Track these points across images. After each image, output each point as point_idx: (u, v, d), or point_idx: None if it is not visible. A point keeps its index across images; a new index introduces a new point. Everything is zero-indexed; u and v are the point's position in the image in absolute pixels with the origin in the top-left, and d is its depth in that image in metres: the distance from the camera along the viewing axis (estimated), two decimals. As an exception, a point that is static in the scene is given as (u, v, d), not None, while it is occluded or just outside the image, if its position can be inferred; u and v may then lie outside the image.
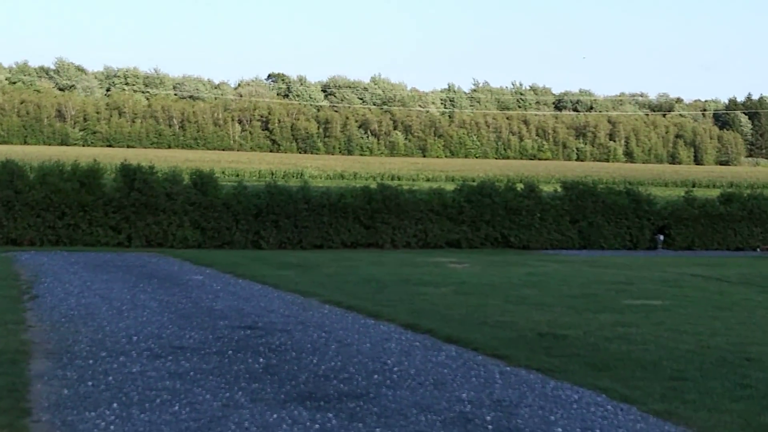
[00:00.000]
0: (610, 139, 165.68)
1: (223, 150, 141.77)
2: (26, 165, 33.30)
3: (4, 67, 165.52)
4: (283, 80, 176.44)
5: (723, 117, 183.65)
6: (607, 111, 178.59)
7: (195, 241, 30.33)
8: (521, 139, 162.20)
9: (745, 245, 36.88)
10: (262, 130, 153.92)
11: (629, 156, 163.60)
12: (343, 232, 31.92)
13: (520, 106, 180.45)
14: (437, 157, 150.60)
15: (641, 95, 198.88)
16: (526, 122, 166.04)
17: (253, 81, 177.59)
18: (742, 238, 36.99)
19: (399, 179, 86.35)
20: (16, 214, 28.83)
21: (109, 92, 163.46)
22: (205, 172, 32.81)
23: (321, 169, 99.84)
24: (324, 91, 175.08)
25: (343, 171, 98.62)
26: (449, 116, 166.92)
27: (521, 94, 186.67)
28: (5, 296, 16.10)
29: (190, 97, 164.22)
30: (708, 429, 8.54)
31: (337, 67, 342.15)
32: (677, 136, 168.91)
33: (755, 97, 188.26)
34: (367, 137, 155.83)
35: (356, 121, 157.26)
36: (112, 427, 7.98)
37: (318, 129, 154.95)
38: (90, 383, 9.46)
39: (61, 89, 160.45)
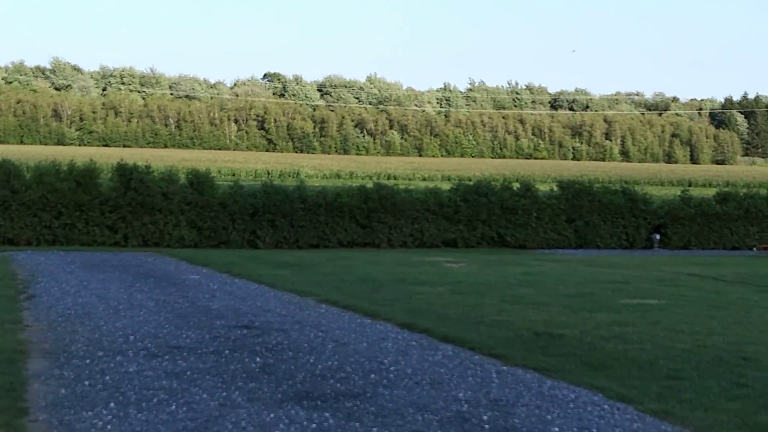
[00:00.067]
0: (606, 139, 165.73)
1: (220, 149, 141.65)
2: (23, 165, 33.27)
3: (0, 66, 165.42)
4: (279, 80, 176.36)
5: (719, 116, 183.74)
6: (603, 110, 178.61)
7: (191, 241, 30.32)
8: (517, 138, 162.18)
9: (742, 244, 36.92)
10: (258, 129, 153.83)
11: (625, 155, 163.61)
12: (340, 231, 31.92)
13: (516, 106, 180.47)
14: (433, 156, 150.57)
15: (637, 94, 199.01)
16: (522, 121, 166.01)
17: (249, 80, 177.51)
18: (739, 237, 37.03)
19: (395, 178, 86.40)
20: (12, 214, 28.81)
21: (105, 92, 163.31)
22: (202, 172, 32.80)
23: (317, 168, 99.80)
24: (320, 90, 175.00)
25: (340, 170, 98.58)
26: (445, 115, 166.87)
27: (517, 93, 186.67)
28: (2, 296, 16.10)
29: (186, 96, 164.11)
30: (704, 428, 8.56)
31: (333, 66, 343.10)
32: (673, 136, 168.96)
33: (751, 96, 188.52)
34: (363, 137, 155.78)
35: (352, 121, 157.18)
36: (109, 426, 7.98)
37: (314, 128, 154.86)
38: (87, 383, 9.46)
39: (57, 89, 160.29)
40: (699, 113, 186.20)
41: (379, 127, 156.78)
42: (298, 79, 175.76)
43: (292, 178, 76.86)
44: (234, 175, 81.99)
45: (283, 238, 31.36)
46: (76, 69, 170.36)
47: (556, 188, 36.13)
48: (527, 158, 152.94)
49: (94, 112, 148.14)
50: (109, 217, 29.66)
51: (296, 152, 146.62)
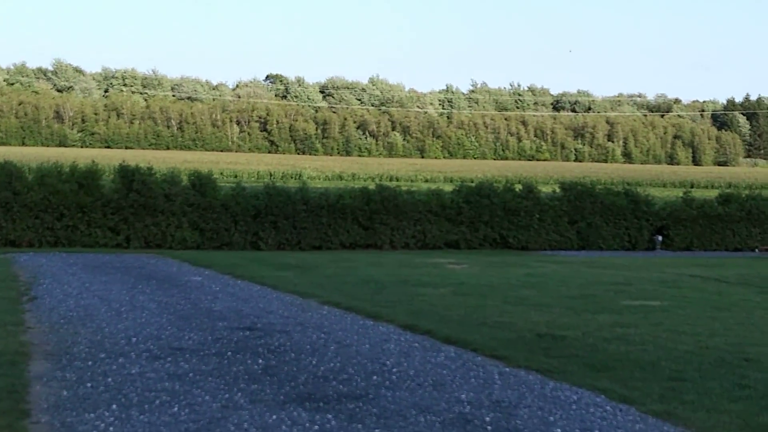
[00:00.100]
0: (609, 140, 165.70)
1: (222, 151, 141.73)
2: (24, 166, 33.39)
3: (2, 68, 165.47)
4: (281, 81, 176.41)
5: (721, 117, 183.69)
6: (605, 112, 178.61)
7: (194, 242, 30.33)
8: (519, 139, 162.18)
9: (744, 246, 36.91)
10: (261, 131, 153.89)
11: (627, 157, 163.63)
12: (342, 233, 31.93)
13: (518, 107, 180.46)
14: (435, 157, 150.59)
15: (639, 96, 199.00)
16: (524, 123, 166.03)
17: (251, 82, 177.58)
18: (741, 238, 37.02)
19: (397, 180, 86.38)
20: (14, 216, 28.83)
21: (107, 93, 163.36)
22: (204, 173, 32.83)
23: (319, 170, 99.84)
24: (322, 92, 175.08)
25: (342, 172, 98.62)
26: (447, 117, 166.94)
27: (519, 94, 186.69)
28: (4, 298, 16.10)
29: (188, 98, 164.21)
30: (707, 429, 8.55)
31: (335, 68, 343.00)
32: (675, 137, 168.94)
33: (753, 97, 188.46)
34: (366, 138, 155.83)
35: (354, 122, 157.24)
36: (111, 428, 7.98)
37: (316, 130, 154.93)
38: (89, 385, 9.46)
39: (59, 90, 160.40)
40: (701, 115, 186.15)
41: (381, 128, 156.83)
42: (300, 81, 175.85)
43: (294, 180, 76.84)
44: (236, 176, 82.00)
45: (286, 240, 31.37)
46: (78, 70, 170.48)
47: (558, 190, 36.13)
48: (529, 160, 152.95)
49: (96, 114, 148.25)
50: (111, 218, 29.67)
51: (298, 154, 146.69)
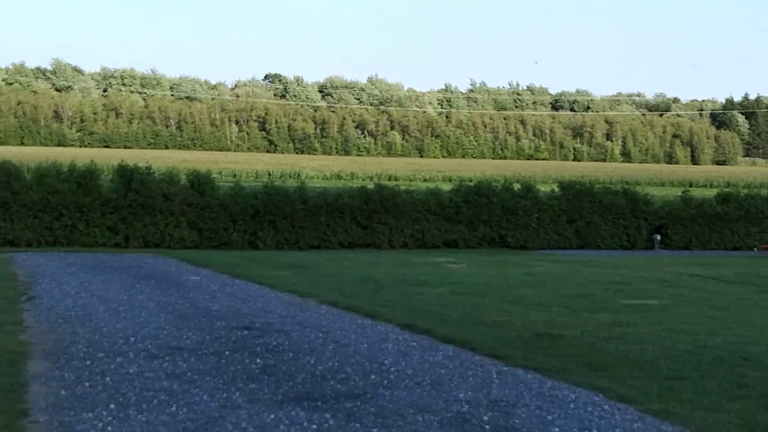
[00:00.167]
0: (607, 139, 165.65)
1: (220, 150, 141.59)
2: (23, 166, 33.34)
3: (0, 68, 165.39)
4: (279, 81, 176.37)
5: (720, 117, 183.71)
6: (604, 111, 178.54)
7: (192, 242, 30.34)
8: (518, 139, 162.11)
9: (742, 245, 36.95)
10: (259, 130, 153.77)
11: (626, 156, 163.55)
12: (341, 232, 31.93)
13: (517, 107, 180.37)
14: (434, 157, 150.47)
15: (638, 95, 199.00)
16: (523, 122, 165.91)
17: (249, 81, 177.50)
18: (739, 237, 37.06)
19: (396, 179, 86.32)
20: (13, 215, 28.83)
21: (106, 93, 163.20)
22: (202, 173, 32.84)
23: (318, 169, 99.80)
24: (321, 91, 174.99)
25: (340, 171, 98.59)
26: (446, 116, 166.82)
27: (518, 94, 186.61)
28: (2, 297, 16.10)
29: (187, 97, 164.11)
30: (705, 428, 8.55)
31: (334, 67, 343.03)
32: (674, 136, 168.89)
33: (752, 96, 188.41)
34: (364, 137, 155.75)
35: (353, 122, 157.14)
36: (109, 428, 7.98)
37: (315, 129, 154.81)
38: (87, 384, 9.46)
39: (58, 90, 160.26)
40: (700, 114, 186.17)
41: (380, 128, 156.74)
42: (299, 80, 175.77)
43: (292, 179, 76.71)
44: (235, 176, 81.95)
45: (284, 239, 31.37)
46: (77, 70, 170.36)
47: (557, 189, 36.17)
48: (528, 159, 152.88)
49: (94, 114, 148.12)
50: (110, 218, 29.68)
51: (297, 153, 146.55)
